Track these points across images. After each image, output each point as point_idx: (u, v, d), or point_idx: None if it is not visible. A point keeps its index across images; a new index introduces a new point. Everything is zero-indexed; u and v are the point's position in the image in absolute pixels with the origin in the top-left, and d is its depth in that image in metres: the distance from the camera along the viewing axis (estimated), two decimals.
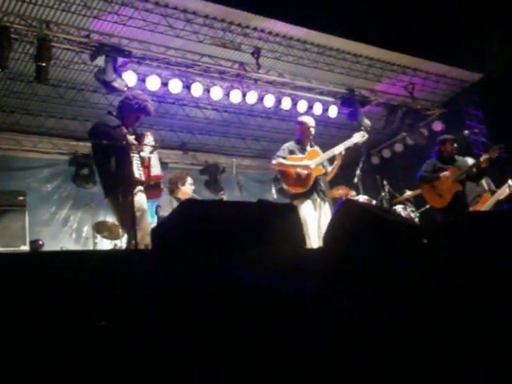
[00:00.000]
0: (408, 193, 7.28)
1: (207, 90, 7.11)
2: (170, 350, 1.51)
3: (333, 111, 8.14)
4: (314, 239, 4.88)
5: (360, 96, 8.19)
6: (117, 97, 6.15)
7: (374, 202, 6.85)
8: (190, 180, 5.82)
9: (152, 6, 5.92)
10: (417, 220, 7.04)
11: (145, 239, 3.86)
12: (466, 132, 7.09)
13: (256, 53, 6.81)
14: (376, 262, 2.02)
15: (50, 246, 7.33)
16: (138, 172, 4.03)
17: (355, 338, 1.74)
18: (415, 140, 9.13)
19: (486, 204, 6.20)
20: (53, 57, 5.84)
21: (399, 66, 8.05)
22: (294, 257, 2.12)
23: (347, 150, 5.33)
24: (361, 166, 6.22)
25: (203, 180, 9.53)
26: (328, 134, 8.63)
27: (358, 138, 5.46)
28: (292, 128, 6.33)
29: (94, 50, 5.96)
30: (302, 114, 6.78)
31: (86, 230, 8.20)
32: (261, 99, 7.48)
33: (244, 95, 7.31)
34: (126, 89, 5.99)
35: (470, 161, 6.22)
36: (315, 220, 5.06)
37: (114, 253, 4.05)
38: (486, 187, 6.45)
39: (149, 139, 4.21)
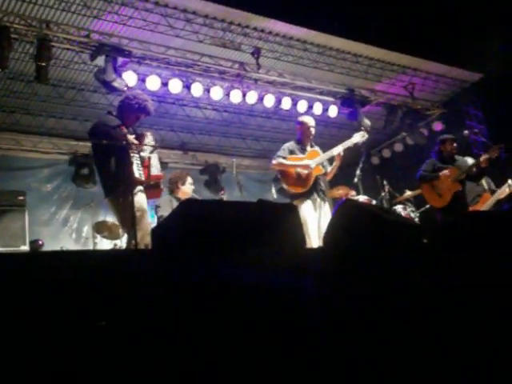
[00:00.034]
0: (408, 193, 7.29)
1: (207, 90, 7.11)
2: (170, 350, 1.51)
3: (333, 111, 8.14)
4: (314, 239, 4.88)
5: (360, 96, 8.19)
6: (117, 97, 6.16)
7: (374, 202, 6.85)
8: (189, 180, 5.82)
9: (152, 6, 5.92)
10: (417, 220, 7.04)
11: (145, 239, 3.86)
12: (466, 132, 7.10)
13: (256, 53, 6.81)
14: (376, 262, 2.02)
15: (50, 246, 7.33)
16: (138, 172, 4.03)
17: (355, 338, 1.74)
18: (415, 140, 9.14)
19: (485, 204, 6.20)
20: (53, 57, 5.84)
21: (399, 66, 8.05)
22: (294, 257, 2.12)
23: (347, 150, 5.33)
24: (361, 165, 6.22)
25: (203, 180, 9.53)
26: (328, 134, 8.63)
27: (358, 138, 5.47)
28: (292, 128, 6.33)
29: (94, 49, 5.96)
30: (302, 114, 6.79)
31: (86, 229, 8.20)
32: (261, 99, 7.48)
33: (244, 95, 7.31)
34: (126, 89, 5.99)
35: (470, 160, 6.23)
36: (315, 220, 5.07)
37: (114, 253, 4.04)
38: (486, 187, 6.46)
39: (149, 139, 4.21)
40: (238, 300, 1.71)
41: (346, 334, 1.75)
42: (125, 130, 4.08)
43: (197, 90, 6.96)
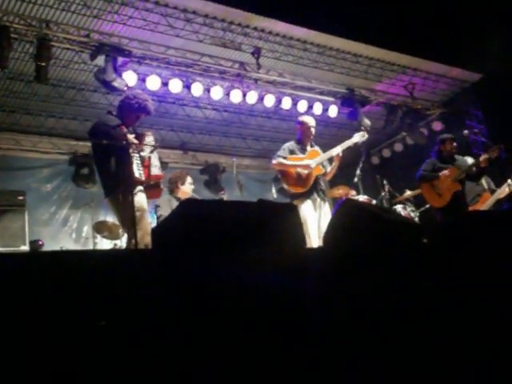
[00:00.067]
0: (408, 192, 7.29)
1: (207, 90, 7.11)
2: (170, 350, 1.51)
3: (333, 111, 8.14)
4: (314, 239, 4.88)
5: (360, 96, 8.19)
6: (117, 96, 6.15)
7: (374, 201, 6.85)
8: (189, 179, 5.82)
9: (152, 6, 5.91)
10: (417, 220, 7.04)
11: (145, 239, 3.86)
12: (466, 132, 7.10)
13: (256, 53, 6.81)
14: (376, 262, 2.02)
15: (50, 245, 7.33)
16: (138, 172, 4.03)
17: (355, 338, 1.74)
18: (415, 140, 9.13)
19: (485, 203, 6.20)
20: (52, 56, 5.84)
21: (399, 65, 8.05)
22: (293, 257, 2.12)
23: (347, 150, 5.34)
24: (361, 165, 6.22)
25: (203, 180, 9.52)
26: (328, 134, 8.63)
27: (358, 137, 5.47)
28: (292, 128, 6.33)
29: (94, 49, 5.96)
30: (302, 114, 6.77)
31: (86, 229, 8.20)
32: (261, 99, 7.48)
33: (244, 95, 7.31)
34: (126, 88, 5.99)
35: (470, 160, 6.23)
36: (315, 220, 5.07)
37: (113, 253, 4.04)
38: (486, 186, 6.45)
39: (149, 139, 4.21)
40: (238, 300, 1.71)
41: (346, 334, 1.75)
42: (125, 130, 4.08)
43: (197, 89, 6.96)
